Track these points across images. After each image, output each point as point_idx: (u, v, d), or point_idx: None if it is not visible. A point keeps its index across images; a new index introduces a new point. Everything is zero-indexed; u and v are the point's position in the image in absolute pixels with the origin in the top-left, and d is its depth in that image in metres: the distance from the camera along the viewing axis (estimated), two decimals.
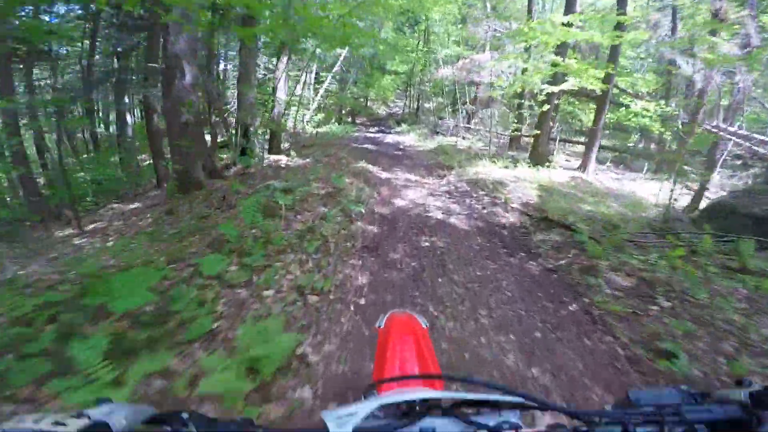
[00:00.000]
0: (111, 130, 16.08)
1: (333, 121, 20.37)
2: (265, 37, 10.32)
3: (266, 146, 10.90)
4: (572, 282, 3.65)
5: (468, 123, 17.10)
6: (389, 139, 15.83)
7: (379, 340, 1.19)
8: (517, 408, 0.52)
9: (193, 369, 2.14)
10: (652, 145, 14.39)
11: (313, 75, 21.13)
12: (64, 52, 11.79)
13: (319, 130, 18.96)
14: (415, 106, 25.55)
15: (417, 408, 0.54)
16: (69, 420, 0.40)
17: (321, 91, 20.26)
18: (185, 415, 0.46)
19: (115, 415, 0.43)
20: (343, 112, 23.82)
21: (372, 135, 17.05)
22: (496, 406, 0.51)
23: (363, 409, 0.47)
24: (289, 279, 3.32)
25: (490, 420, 0.50)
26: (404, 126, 19.72)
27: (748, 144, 7.46)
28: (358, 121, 23.97)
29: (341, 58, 20.53)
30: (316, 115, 21.11)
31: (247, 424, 0.48)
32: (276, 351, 2.22)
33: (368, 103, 29.30)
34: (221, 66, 16.94)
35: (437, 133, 16.78)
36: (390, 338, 1.12)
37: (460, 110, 16.92)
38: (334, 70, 20.46)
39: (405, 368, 0.97)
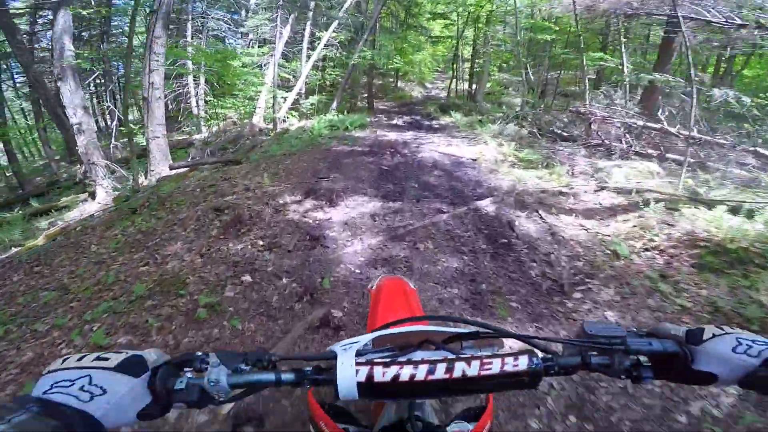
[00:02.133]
0: None
1: (334, 108, 12.07)
2: None
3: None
4: None
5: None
6: (429, 149, 7.07)
7: (372, 300, 1.27)
8: (494, 339, 0.61)
9: None
10: None
11: (306, 37, 12.85)
12: None
13: (300, 124, 10.74)
14: (473, 86, 16.59)
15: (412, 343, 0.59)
16: (110, 354, 0.45)
17: (310, 62, 11.97)
18: (203, 355, 0.49)
19: (149, 353, 0.47)
20: (356, 95, 15.43)
21: (392, 136, 8.40)
22: (476, 337, 0.58)
23: (363, 338, 0.55)
24: None
25: (473, 351, 0.60)
26: (456, 116, 10.95)
27: None
28: (381, 107, 15.50)
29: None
30: (305, 98, 12.93)
31: (264, 354, 0.52)
32: None
33: (398, 83, 20.72)
34: None
35: (556, 138, 7.77)
36: (381, 297, 1.21)
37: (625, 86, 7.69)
38: (335, 24, 12.07)
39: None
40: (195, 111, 14.59)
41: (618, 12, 6.46)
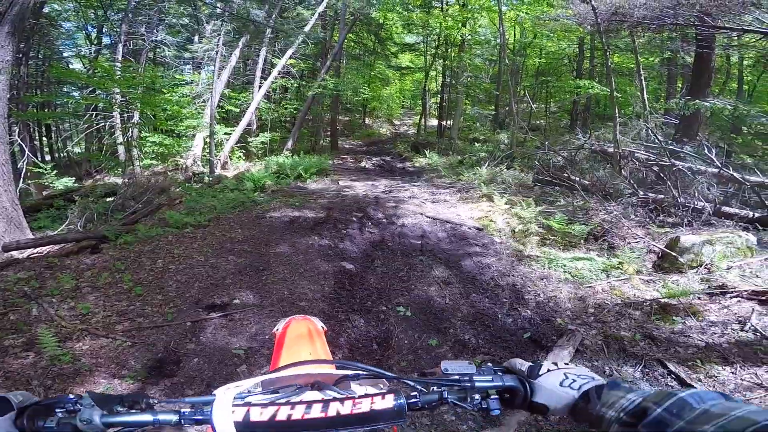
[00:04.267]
0: None
1: (289, 147, 9.91)
2: None
3: None
4: None
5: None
6: (412, 211, 4.88)
7: (276, 342, 1.24)
8: (375, 378, 0.65)
9: None
10: None
11: (260, 64, 10.81)
12: None
13: (244, 167, 8.49)
14: (443, 122, 15.14)
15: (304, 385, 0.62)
16: None
17: (261, 91, 9.92)
18: (76, 397, 0.49)
19: (15, 395, 0.46)
20: (318, 133, 13.38)
21: (360, 188, 6.25)
22: (357, 378, 0.63)
23: (248, 382, 0.57)
24: None
25: (352, 392, 0.64)
26: (432, 156, 9.10)
27: None
28: (347, 146, 13.52)
29: (312, 20, 10.27)
30: (255, 135, 10.75)
31: (141, 396, 0.52)
32: None
33: (365, 120, 19.03)
34: None
35: (575, 188, 5.59)
36: (285, 339, 1.17)
37: None
38: (293, 49, 10.21)
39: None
40: (121, 151, 11.86)
41: (655, 23, 4.86)
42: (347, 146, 13.55)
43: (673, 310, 2.58)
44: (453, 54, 12.77)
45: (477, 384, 0.54)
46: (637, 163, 5.64)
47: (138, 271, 3.19)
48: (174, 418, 0.49)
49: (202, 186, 6.77)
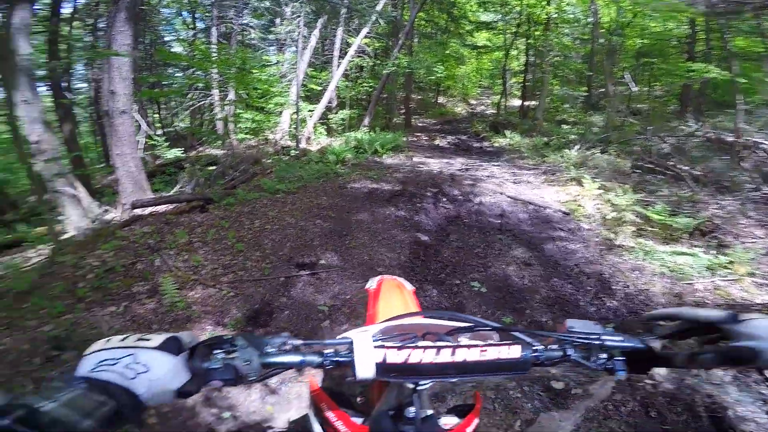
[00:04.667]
0: None
1: (366, 124, 10.19)
2: None
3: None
4: None
5: None
6: (491, 190, 4.76)
7: (370, 298, 1.30)
8: (490, 331, 0.63)
9: None
10: None
11: (337, 44, 11.12)
12: None
13: (326, 143, 8.93)
14: (526, 102, 14.22)
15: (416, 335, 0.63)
16: (151, 336, 0.46)
17: (339, 70, 10.19)
18: (230, 338, 0.50)
19: (183, 335, 0.48)
20: (392, 111, 13.46)
21: (435, 165, 6.25)
22: (472, 331, 0.62)
23: (373, 327, 0.64)
24: None
25: (470, 342, 0.60)
26: (513, 137, 8.67)
27: None
28: (420, 124, 13.44)
29: None
30: (335, 113, 11.19)
31: (283, 338, 0.54)
32: None
33: (438, 98, 18.59)
34: None
35: (680, 178, 4.96)
36: (380, 295, 1.23)
37: None
38: (366, 29, 10.25)
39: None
40: (219, 126, 13.22)
41: None
42: (420, 124, 13.43)
43: None
44: (537, 33, 11.78)
45: (606, 343, 0.53)
46: (765, 154, 4.82)
47: (239, 229, 3.62)
48: (318, 359, 0.52)
49: (290, 158, 7.30)
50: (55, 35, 9.25)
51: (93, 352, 0.43)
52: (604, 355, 0.53)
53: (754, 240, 3.33)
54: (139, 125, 9.05)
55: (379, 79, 11.28)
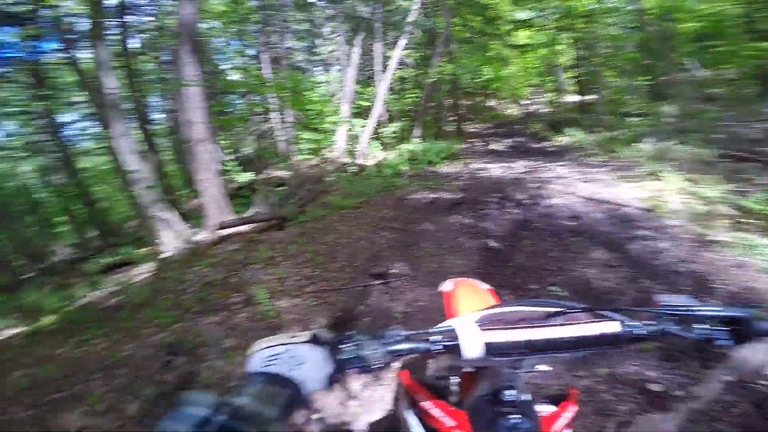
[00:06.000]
0: None
1: (418, 135, 10.34)
2: None
3: None
4: None
5: None
6: (560, 191, 4.58)
7: (446, 297, 1.26)
8: (584, 313, 0.61)
9: None
10: None
11: (376, 58, 11.45)
12: None
13: (381, 157, 9.19)
14: (583, 97, 13.47)
15: None
16: (299, 333, 0.52)
17: (384, 84, 10.44)
18: (351, 333, 0.56)
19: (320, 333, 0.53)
20: (441, 118, 13.46)
21: (495, 170, 6.16)
22: (565, 314, 0.60)
23: (471, 316, 0.61)
24: None
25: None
26: (576, 134, 8.26)
27: None
28: (472, 129, 13.30)
29: (414, 8, 10.26)
30: (386, 126, 11.47)
31: (397, 331, 0.57)
32: None
33: (487, 102, 18.23)
34: None
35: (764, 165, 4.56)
36: (457, 295, 1.20)
37: None
38: (404, 41, 10.36)
39: None
40: (281, 147, 14.10)
41: None
42: (472, 130, 13.28)
43: None
44: (581, 26, 11.18)
45: (706, 312, 0.53)
46: None
47: (314, 244, 3.88)
48: (426, 345, 0.55)
49: (349, 174, 7.64)
50: (130, 69, 10.35)
51: (257, 351, 0.49)
52: (705, 326, 0.53)
53: None
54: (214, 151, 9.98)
55: (423, 89, 11.40)
